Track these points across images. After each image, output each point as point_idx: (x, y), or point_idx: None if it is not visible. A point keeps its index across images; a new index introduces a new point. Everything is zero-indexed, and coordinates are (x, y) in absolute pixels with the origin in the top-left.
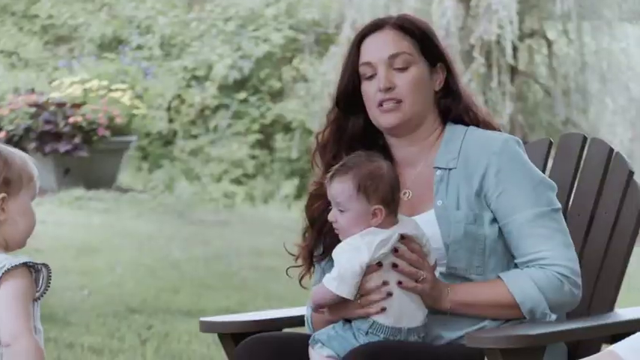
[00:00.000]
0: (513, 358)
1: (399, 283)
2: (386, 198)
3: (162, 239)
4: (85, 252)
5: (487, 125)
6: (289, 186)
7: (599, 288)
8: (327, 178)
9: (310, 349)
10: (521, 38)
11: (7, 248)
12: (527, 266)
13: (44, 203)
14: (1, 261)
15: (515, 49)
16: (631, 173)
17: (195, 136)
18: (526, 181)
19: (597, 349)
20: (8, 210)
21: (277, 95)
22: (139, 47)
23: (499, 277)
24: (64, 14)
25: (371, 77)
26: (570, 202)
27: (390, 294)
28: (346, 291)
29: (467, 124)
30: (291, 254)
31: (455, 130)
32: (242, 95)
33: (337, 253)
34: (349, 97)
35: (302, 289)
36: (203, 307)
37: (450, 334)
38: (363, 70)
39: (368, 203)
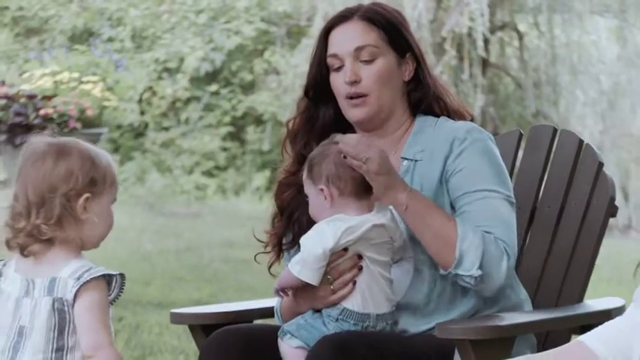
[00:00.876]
0: (483, 348)
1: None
2: (330, 176)
3: (134, 231)
4: None
5: (459, 115)
6: (261, 178)
7: (569, 279)
8: None
9: (279, 340)
10: (492, 31)
11: (82, 248)
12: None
13: None
14: (77, 270)
15: (486, 41)
16: (601, 165)
17: (166, 129)
18: (488, 165)
19: (567, 340)
20: (90, 210)
21: (249, 87)
22: (110, 39)
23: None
24: (35, 6)
25: (338, 69)
26: (540, 194)
27: (354, 283)
28: (309, 276)
29: (437, 115)
30: (260, 241)
31: (425, 122)
32: (213, 87)
33: (304, 237)
34: (318, 87)
35: (273, 281)
36: (174, 299)
37: (417, 328)
38: (331, 61)
39: (314, 185)
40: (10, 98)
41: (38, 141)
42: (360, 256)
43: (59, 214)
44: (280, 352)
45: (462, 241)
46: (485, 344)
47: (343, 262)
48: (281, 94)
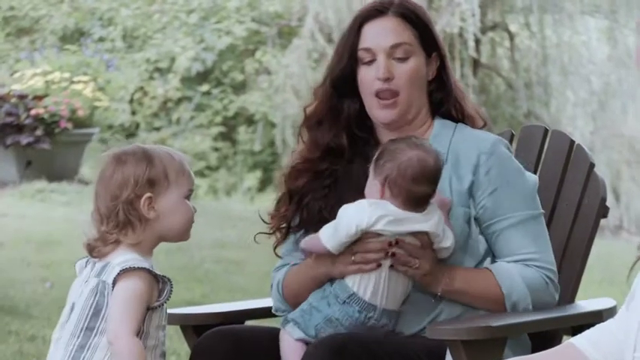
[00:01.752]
0: (475, 349)
1: (391, 266)
2: (389, 178)
3: None
4: (47, 245)
5: (473, 120)
6: (252, 178)
7: (561, 280)
8: None
9: (281, 331)
10: (483, 31)
11: (167, 240)
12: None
13: (5, 196)
14: (127, 260)
15: (477, 41)
16: (592, 165)
17: (157, 129)
18: (517, 184)
19: (559, 341)
20: (158, 208)
21: (240, 88)
22: (102, 39)
23: (488, 269)
24: (26, 6)
25: (369, 63)
26: None
27: (379, 265)
28: (334, 246)
29: (454, 118)
30: (264, 222)
31: (444, 126)
32: (205, 87)
33: (343, 208)
34: (346, 80)
35: (264, 281)
36: None
37: (407, 329)
38: (362, 55)
39: (374, 174)
40: (1, 98)
41: (106, 154)
42: (390, 244)
43: (124, 219)
44: (280, 346)
45: (509, 297)
46: (476, 345)
47: (374, 243)
48: (272, 94)
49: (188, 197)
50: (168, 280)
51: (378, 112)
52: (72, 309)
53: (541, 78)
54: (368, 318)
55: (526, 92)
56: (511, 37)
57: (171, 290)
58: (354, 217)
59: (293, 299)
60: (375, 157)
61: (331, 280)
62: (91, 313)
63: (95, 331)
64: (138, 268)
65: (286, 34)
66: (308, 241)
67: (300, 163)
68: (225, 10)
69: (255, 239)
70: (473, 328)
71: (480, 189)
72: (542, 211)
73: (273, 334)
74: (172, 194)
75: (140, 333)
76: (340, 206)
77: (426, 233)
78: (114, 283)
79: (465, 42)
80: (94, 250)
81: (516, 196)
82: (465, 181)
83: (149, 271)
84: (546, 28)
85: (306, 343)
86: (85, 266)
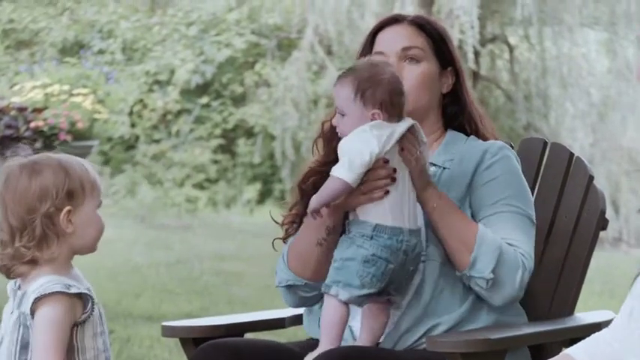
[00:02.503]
0: None
1: (402, 149)
2: (384, 102)
3: (124, 244)
4: None
5: (485, 139)
6: (251, 191)
7: (560, 292)
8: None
9: (325, 298)
10: (482, 43)
11: (79, 253)
12: None
13: None
14: (42, 285)
15: (476, 54)
16: (591, 178)
17: (157, 141)
18: (517, 183)
19: (558, 352)
20: (75, 221)
21: (239, 100)
22: (101, 52)
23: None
24: (26, 18)
25: None
26: None
27: (387, 192)
28: (354, 178)
29: (467, 134)
30: (277, 223)
31: (456, 137)
32: (204, 100)
33: (345, 143)
34: None
35: (264, 293)
36: (165, 312)
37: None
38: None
39: (364, 107)
40: (1, 111)
41: (11, 164)
42: (394, 170)
43: (41, 234)
44: (323, 315)
45: (480, 244)
46: (476, 357)
47: (380, 170)
48: (272, 107)
49: (98, 208)
50: (88, 295)
51: None
52: (1, 342)
53: (540, 90)
54: (400, 242)
55: (525, 104)
56: (510, 49)
57: (94, 302)
58: (366, 147)
59: (298, 263)
60: (349, 94)
61: (342, 230)
62: (18, 348)
63: None
64: (52, 293)
65: (286, 47)
66: (325, 191)
67: (316, 165)
68: (225, 22)
69: (273, 246)
70: (472, 341)
71: (477, 181)
72: (532, 214)
73: (272, 347)
74: (88, 206)
75: (75, 352)
76: None
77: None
78: (32, 312)
79: (465, 54)
80: (11, 272)
81: (512, 191)
82: (465, 176)
83: (63, 293)
84: (546, 40)
85: (346, 305)
86: (15, 287)
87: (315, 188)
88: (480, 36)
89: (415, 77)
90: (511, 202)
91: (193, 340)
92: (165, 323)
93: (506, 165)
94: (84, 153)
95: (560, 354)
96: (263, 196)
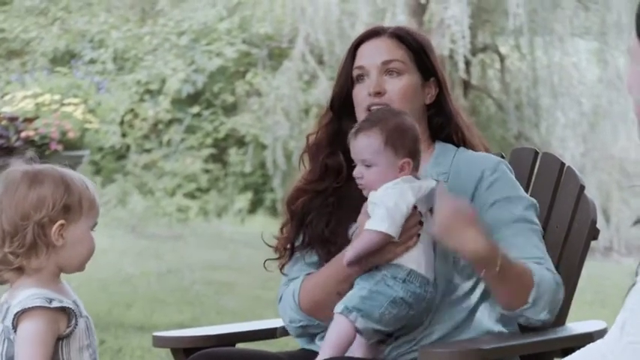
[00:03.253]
0: None
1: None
2: (412, 151)
3: (115, 254)
4: None
5: (473, 148)
6: (243, 200)
7: None
8: (351, 134)
9: (343, 318)
10: (473, 53)
11: (63, 271)
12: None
13: None
14: (25, 299)
15: (467, 63)
16: (582, 187)
17: (148, 151)
18: (516, 198)
19: None
20: (67, 236)
21: (231, 109)
22: (92, 61)
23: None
24: (17, 28)
25: (363, 80)
26: None
27: (418, 236)
28: (396, 230)
29: (455, 144)
30: (269, 246)
31: (445, 148)
32: (195, 109)
33: (380, 196)
34: (343, 100)
35: (255, 303)
36: (156, 322)
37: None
38: (356, 72)
39: (395, 156)
40: None
41: (14, 169)
42: (421, 213)
43: (31, 242)
44: (330, 331)
45: (539, 286)
46: None
47: (411, 217)
48: (263, 116)
49: (92, 229)
50: (71, 310)
51: None
52: None
53: (531, 99)
54: (426, 292)
55: (516, 114)
56: (501, 58)
57: (77, 316)
58: (402, 198)
59: (312, 306)
60: (379, 144)
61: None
62: None
63: None
64: (32, 307)
65: (277, 56)
66: (363, 244)
67: (303, 184)
68: (216, 32)
69: (265, 266)
70: (464, 352)
71: (479, 202)
72: (541, 229)
73: (264, 357)
74: (82, 224)
75: None
76: (343, 223)
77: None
78: (15, 327)
79: (456, 64)
80: None
81: (519, 206)
82: (467, 190)
83: (44, 308)
84: (537, 49)
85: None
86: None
87: (304, 209)
88: (471, 45)
89: (397, 91)
90: (520, 216)
91: (184, 351)
92: (156, 333)
93: (504, 182)
94: (75, 163)
95: None
96: (254, 206)
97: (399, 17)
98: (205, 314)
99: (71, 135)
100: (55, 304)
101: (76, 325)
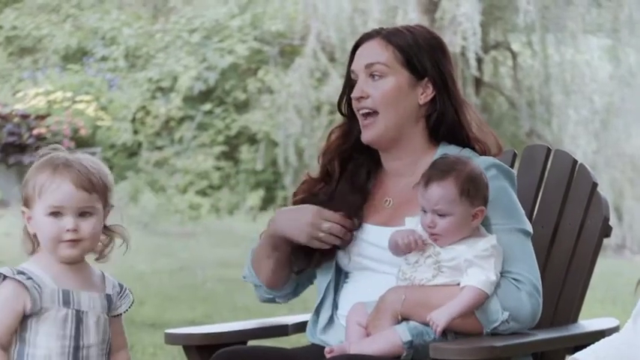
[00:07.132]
0: None
1: None
2: (485, 198)
3: (127, 251)
4: None
5: (482, 146)
6: (255, 197)
7: (563, 299)
8: (421, 184)
9: (391, 328)
10: (485, 50)
11: (60, 260)
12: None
13: (8, 215)
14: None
15: (479, 60)
16: (594, 185)
17: (160, 148)
18: (504, 201)
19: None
20: (33, 224)
21: (242, 107)
22: (104, 58)
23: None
24: (29, 25)
25: (356, 83)
26: (534, 214)
27: None
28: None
29: (461, 144)
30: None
31: (447, 150)
32: (207, 107)
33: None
34: (347, 102)
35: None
36: (168, 319)
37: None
38: (352, 77)
39: (470, 206)
40: (4, 118)
41: (44, 154)
42: None
43: (24, 229)
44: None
45: (491, 322)
46: None
47: None
48: (274, 113)
49: (56, 214)
50: (34, 289)
51: (362, 133)
52: None
53: (543, 97)
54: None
55: (528, 111)
56: (513, 55)
57: (41, 299)
58: (494, 273)
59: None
60: (454, 194)
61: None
62: None
63: None
64: (4, 276)
65: (288, 53)
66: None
67: (302, 184)
68: (228, 29)
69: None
70: (477, 349)
71: None
72: (529, 230)
73: (282, 354)
74: (37, 210)
75: (26, 344)
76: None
77: None
78: None
79: (467, 61)
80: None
81: (502, 211)
82: None
83: (11, 278)
84: (549, 46)
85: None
86: None
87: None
88: (482, 43)
89: (379, 94)
90: (505, 224)
91: (196, 348)
92: (168, 331)
93: (500, 182)
94: None
95: (569, 358)
96: (266, 203)
97: (411, 15)
98: (217, 311)
99: (83, 132)
100: (18, 277)
101: (42, 308)
